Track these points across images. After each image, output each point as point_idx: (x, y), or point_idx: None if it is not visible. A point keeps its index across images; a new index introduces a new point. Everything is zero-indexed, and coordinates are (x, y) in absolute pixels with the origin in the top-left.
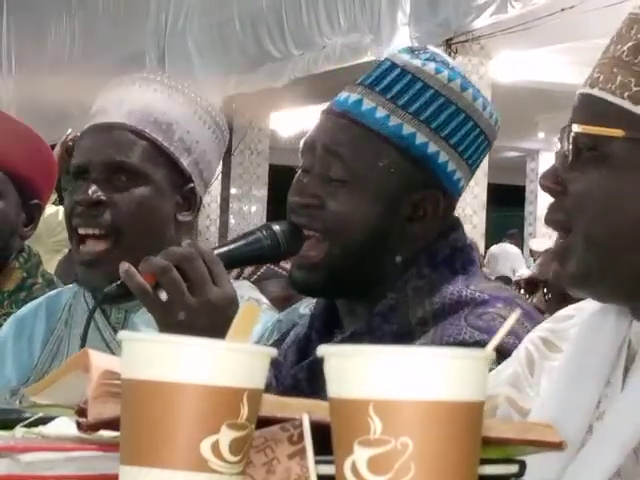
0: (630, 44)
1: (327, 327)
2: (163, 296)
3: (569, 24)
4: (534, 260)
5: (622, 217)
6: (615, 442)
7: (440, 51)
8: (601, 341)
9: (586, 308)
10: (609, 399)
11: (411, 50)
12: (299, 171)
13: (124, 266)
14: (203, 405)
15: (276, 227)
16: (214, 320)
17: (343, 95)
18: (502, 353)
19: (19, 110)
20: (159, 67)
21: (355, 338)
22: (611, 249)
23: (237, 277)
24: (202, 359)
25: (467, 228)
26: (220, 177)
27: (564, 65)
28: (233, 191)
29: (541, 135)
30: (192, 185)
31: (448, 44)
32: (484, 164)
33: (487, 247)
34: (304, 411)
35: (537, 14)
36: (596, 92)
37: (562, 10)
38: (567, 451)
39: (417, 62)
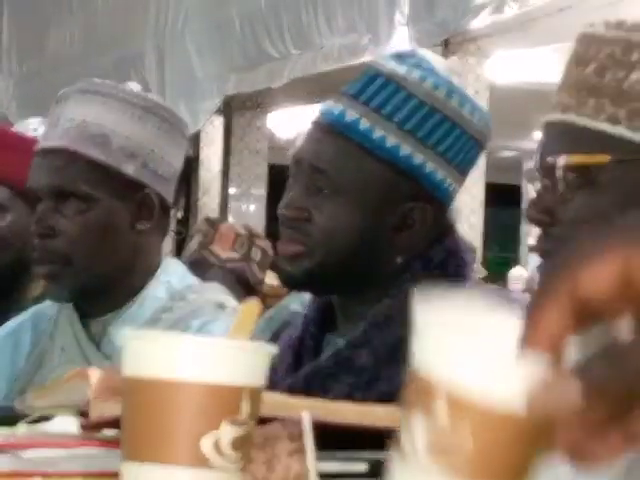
0: (593, 66)
1: (321, 329)
2: None
3: (566, 24)
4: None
5: None
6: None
7: (429, 54)
8: None
9: None
10: None
11: (398, 56)
12: (289, 179)
13: None
14: (204, 402)
15: None
16: None
17: (329, 105)
18: None
19: (19, 110)
20: (158, 67)
21: (351, 348)
22: None
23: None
24: (203, 357)
25: (464, 227)
26: (219, 177)
27: (561, 65)
28: (232, 191)
29: (537, 135)
30: (146, 191)
31: (446, 44)
32: (481, 164)
33: (485, 246)
34: (304, 409)
35: (534, 14)
36: (570, 118)
37: (559, 10)
38: None
39: (402, 70)
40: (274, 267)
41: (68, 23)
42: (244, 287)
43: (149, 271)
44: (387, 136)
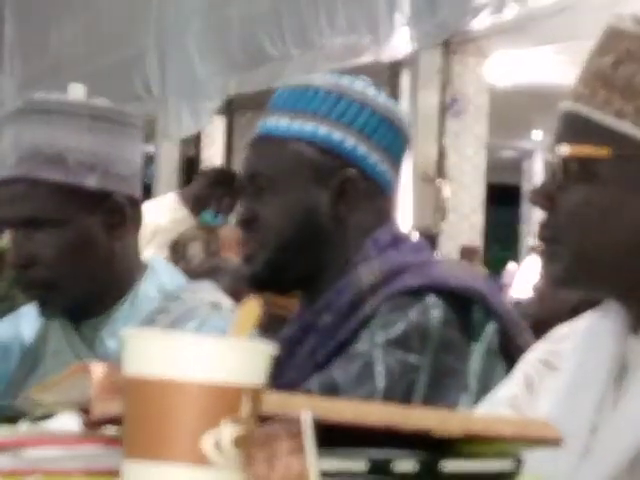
0: (611, 57)
1: None
2: None
3: (566, 24)
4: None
5: (611, 234)
6: (609, 460)
7: None
8: (598, 354)
9: (580, 326)
10: (602, 412)
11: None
12: None
13: None
14: (205, 401)
15: None
16: None
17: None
18: (447, 291)
19: None
20: (159, 67)
21: (314, 314)
22: (597, 263)
23: (186, 270)
24: (204, 355)
25: (465, 227)
26: None
27: (561, 65)
28: None
29: (537, 135)
30: (113, 197)
31: (446, 44)
32: (481, 163)
33: (486, 246)
34: (305, 408)
35: (534, 15)
36: (580, 108)
37: (559, 11)
38: (571, 460)
39: (304, 78)
40: None
41: (71, 24)
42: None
43: (133, 269)
44: (305, 123)
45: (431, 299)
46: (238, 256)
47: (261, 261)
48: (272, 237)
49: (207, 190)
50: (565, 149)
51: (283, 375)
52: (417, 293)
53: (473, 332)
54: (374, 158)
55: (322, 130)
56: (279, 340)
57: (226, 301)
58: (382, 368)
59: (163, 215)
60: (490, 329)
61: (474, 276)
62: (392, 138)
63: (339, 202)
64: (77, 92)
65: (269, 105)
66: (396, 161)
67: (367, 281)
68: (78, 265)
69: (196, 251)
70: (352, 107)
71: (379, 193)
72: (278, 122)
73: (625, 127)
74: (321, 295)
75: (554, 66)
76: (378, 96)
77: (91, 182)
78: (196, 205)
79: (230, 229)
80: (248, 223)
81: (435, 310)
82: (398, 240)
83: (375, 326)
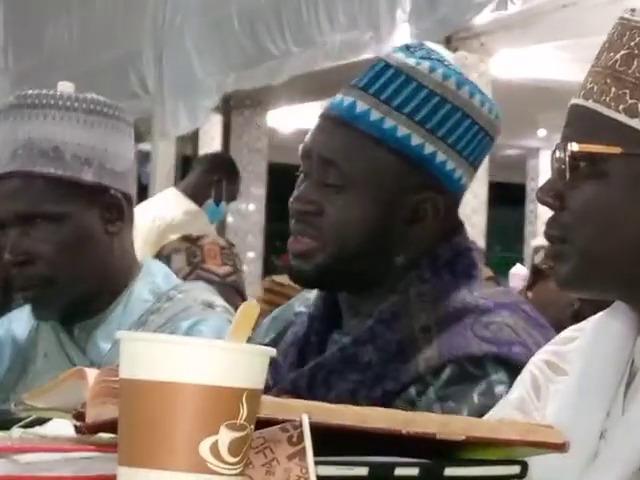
0: (623, 53)
1: (326, 327)
2: None
3: (570, 21)
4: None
5: (620, 233)
6: (617, 465)
7: (438, 47)
8: (607, 356)
9: (588, 328)
10: (611, 417)
11: (407, 48)
12: (300, 175)
13: None
14: (202, 405)
15: None
16: None
17: (338, 98)
18: (511, 364)
19: None
20: (156, 65)
21: (357, 345)
22: (606, 263)
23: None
24: (201, 359)
25: (467, 227)
26: None
27: (565, 62)
28: None
29: (542, 133)
30: (110, 191)
31: (448, 41)
32: (484, 162)
33: (488, 246)
34: (303, 412)
35: (538, 11)
36: (590, 104)
37: (563, 7)
38: (578, 465)
39: (411, 61)
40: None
41: (66, 21)
42: (242, 299)
43: (129, 267)
44: (398, 126)
45: (495, 374)
46: (221, 267)
47: (317, 263)
48: (335, 242)
49: (205, 177)
50: (574, 146)
51: None
52: (480, 363)
53: None
54: (459, 173)
55: (415, 141)
56: (316, 365)
57: (219, 301)
58: None
59: (172, 210)
60: None
61: (538, 332)
62: (481, 151)
63: (415, 220)
64: (66, 90)
65: (360, 78)
66: (475, 172)
67: (420, 322)
68: (77, 261)
69: (181, 264)
70: (452, 118)
71: (454, 206)
72: (369, 113)
73: (636, 125)
74: (367, 303)
75: (558, 63)
76: (484, 103)
77: (87, 176)
78: (197, 195)
79: (212, 239)
80: (309, 215)
81: (500, 386)
82: (457, 256)
83: (435, 401)
